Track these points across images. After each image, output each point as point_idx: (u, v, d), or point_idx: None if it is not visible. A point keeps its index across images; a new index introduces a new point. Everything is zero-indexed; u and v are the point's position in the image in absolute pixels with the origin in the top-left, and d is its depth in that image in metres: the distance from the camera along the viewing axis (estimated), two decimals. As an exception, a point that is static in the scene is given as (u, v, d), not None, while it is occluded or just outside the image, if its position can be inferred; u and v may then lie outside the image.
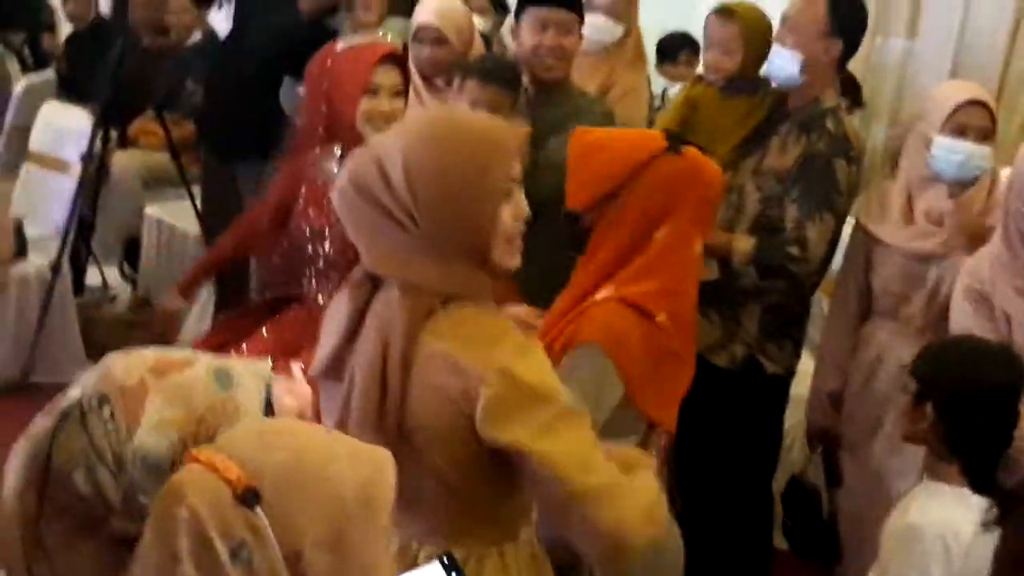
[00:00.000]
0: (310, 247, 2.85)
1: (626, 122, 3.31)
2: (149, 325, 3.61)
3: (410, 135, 1.73)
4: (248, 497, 1.10)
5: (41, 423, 1.21)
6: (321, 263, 2.85)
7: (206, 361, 1.25)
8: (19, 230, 4.41)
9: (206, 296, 4.15)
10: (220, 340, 2.85)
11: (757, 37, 3.11)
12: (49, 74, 5.42)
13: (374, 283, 1.76)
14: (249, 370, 1.29)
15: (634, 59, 3.87)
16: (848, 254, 3.11)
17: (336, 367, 1.78)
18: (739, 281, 2.97)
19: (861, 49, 3.26)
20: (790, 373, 3.17)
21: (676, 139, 2.25)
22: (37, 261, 4.44)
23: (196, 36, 5.36)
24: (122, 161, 5.18)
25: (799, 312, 3.14)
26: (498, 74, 3.05)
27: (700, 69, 3.27)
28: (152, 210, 4.94)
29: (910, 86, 4.76)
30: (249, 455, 1.13)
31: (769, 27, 3.14)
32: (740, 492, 3.18)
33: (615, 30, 3.68)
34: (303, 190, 2.87)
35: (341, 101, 2.75)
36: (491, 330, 1.71)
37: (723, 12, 3.16)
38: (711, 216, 2.27)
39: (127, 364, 1.20)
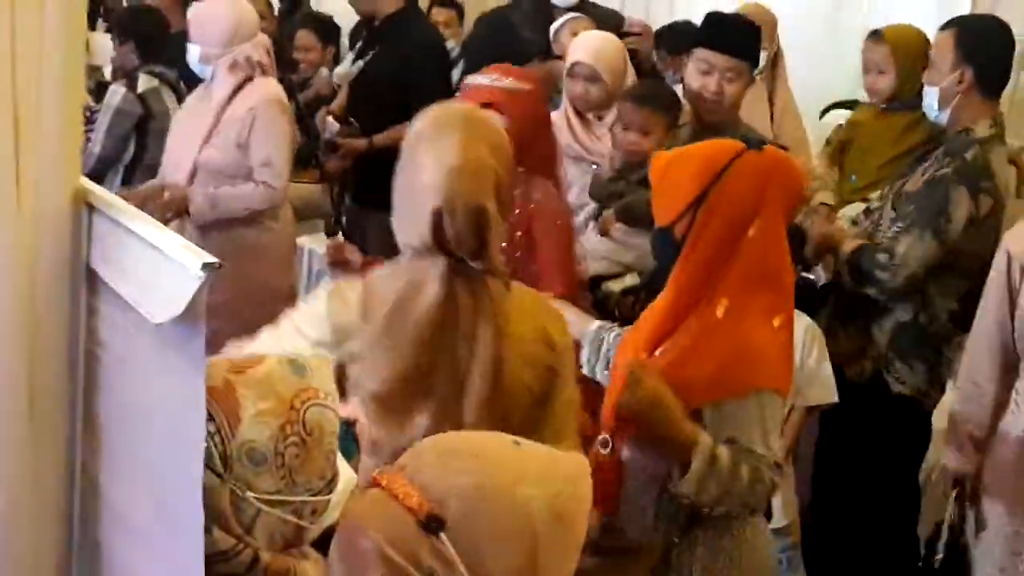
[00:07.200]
0: None
1: (792, 140, 3.35)
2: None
3: None
4: (431, 525, 1.07)
5: None
6: None
7: (273, 356, 1.34)
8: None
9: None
10: None
11: (910, 56, 3.12)
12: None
13: None
14: (313, 359, 1.38)
15: (785, 78, 3.91)
16: (990, 283, 2.83)
17: None
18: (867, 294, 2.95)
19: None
20: (923, 396, 3.06)
21: (754, 140, 2.21)
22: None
23: (323, 72, 5.37)
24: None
25: (933, 334, 3.02)
26: (652, 98, 3.10)
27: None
28: (303, 240, 4.78)
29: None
30: (431, 479, 1.10)
31: (923, 47, 3.10)
32: (881, 518, 3.09)
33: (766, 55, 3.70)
34: None
35: None
36: None
37: (873, 35, 3.22)
38: (796, 208, 2.24)
39: (207, 372, 1.23)
